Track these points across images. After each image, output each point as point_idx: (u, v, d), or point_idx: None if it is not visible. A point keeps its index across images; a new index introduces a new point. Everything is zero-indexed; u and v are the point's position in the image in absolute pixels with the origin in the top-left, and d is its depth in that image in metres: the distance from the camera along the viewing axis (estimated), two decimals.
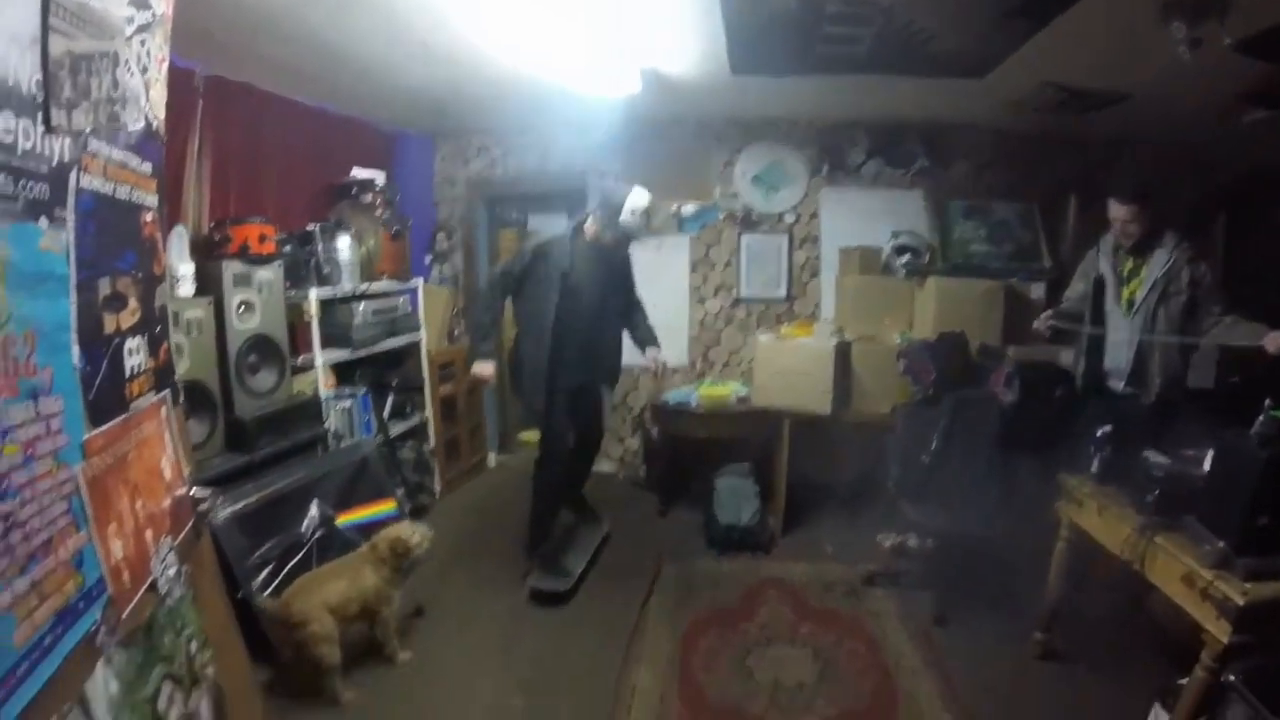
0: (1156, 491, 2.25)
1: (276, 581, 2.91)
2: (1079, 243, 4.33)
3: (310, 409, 3.58)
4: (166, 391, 1.47)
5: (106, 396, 1.19)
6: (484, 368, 3.61)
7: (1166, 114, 4.02)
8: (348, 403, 3.99)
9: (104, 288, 1.21)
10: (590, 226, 3.61)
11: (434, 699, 2.76)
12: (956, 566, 3.47)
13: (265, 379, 3.34)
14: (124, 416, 1.26)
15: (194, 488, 1.54)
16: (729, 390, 4.64)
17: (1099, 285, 3.26)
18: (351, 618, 2.80)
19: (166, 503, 1.39)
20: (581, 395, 3.75)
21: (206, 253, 3.20)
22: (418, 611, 3.29)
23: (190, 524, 1.50)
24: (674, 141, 5.03)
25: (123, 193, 1.29)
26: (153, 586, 1.26)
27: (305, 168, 4.20)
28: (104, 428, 1.17)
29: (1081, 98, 3.86)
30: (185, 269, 2.97)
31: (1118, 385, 3.20)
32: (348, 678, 2.76)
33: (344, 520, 3.34)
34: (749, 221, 5.05)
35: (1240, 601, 1.78)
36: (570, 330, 3.54)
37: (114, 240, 1.26)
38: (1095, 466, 2.67)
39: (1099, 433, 2.68)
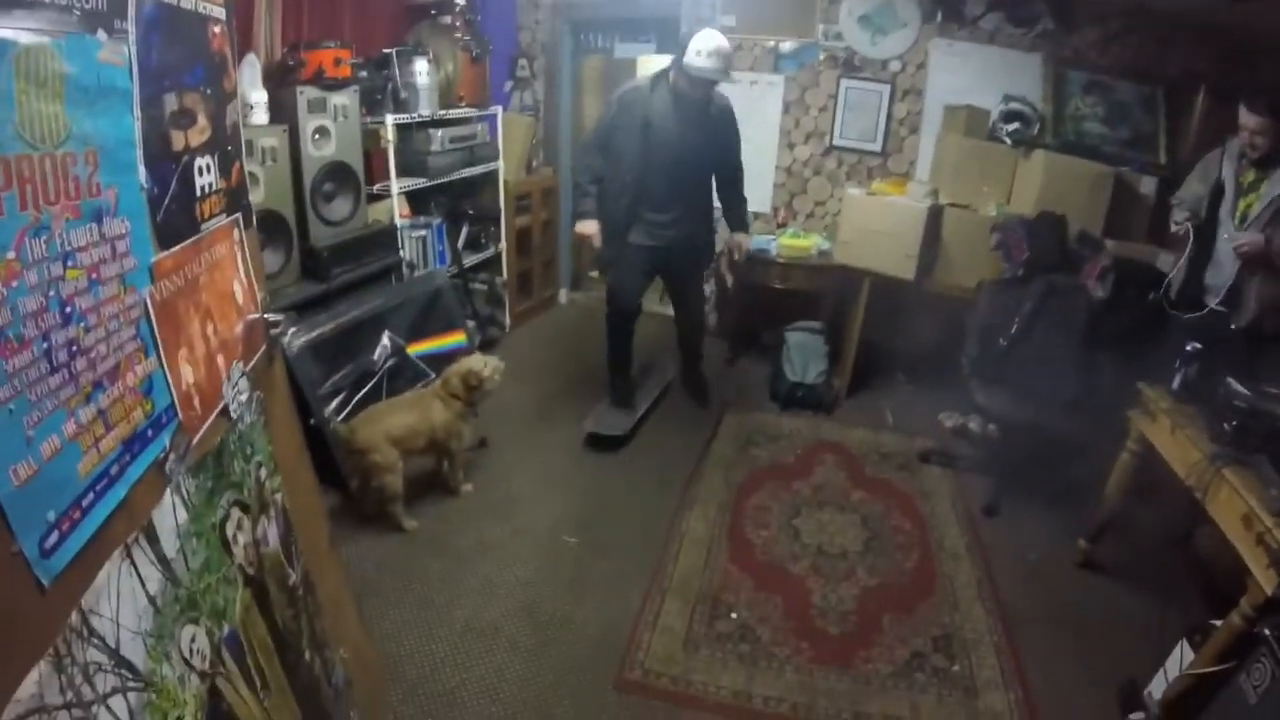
0: (1234, 423, 2.12)
1: (348, 409, 3.03)
2: (1201, 143, 3.91)
3: (385, 238, 3.60)
4: (239, 213, 1.44)
5: (176, 218, 1.16)
6: (586, 226, 3.50)
7: None
8: (423, 232, 4.00)
9: (170, 103, 1.15)
10: (673, 74, 3.37)
11: (492, 531, 2.92)
12: (1015, 458, 3.41)
13: (340, 207, 3.34)
14: (195, 238, 1.23)
15: (267, 312, 1.54)
16: (810, 243, 4.49)
17: (1217, 191, 2.96)
18: (418, 450, 2.92)
19: (239, 327, 1.38)
20: (660, 259, 3.65)
21: (280, 80, 3.12)
22: (481, 443, 3.42)
23: (263, 349, 1.51)
24: None
25: (188, 3, 1.22)
26: (224, 412, 1.28)
27: None
28: (174, 250, 1.14)
29: None
30: (258, 97, 2.91)
31: (1212, 301, 2.96)
32: (412, 507, 2.93)
33: (415, 350, 3.43)
34: (850, 66, 4.68)
35: None
36: (648, 187, 3.42)
37: (180, 54, 1.20)
38: (1177, 383, 2.52)
39: (1187, 348, 2.51)
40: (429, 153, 3.94)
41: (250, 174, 2.75)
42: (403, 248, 3.79)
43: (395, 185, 3.72)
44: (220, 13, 1.35)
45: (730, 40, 3.27)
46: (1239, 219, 2.88)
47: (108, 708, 0.84)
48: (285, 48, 3.25)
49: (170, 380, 1.10)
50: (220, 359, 1.29)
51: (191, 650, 1.04)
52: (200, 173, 1.26)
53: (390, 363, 3.28)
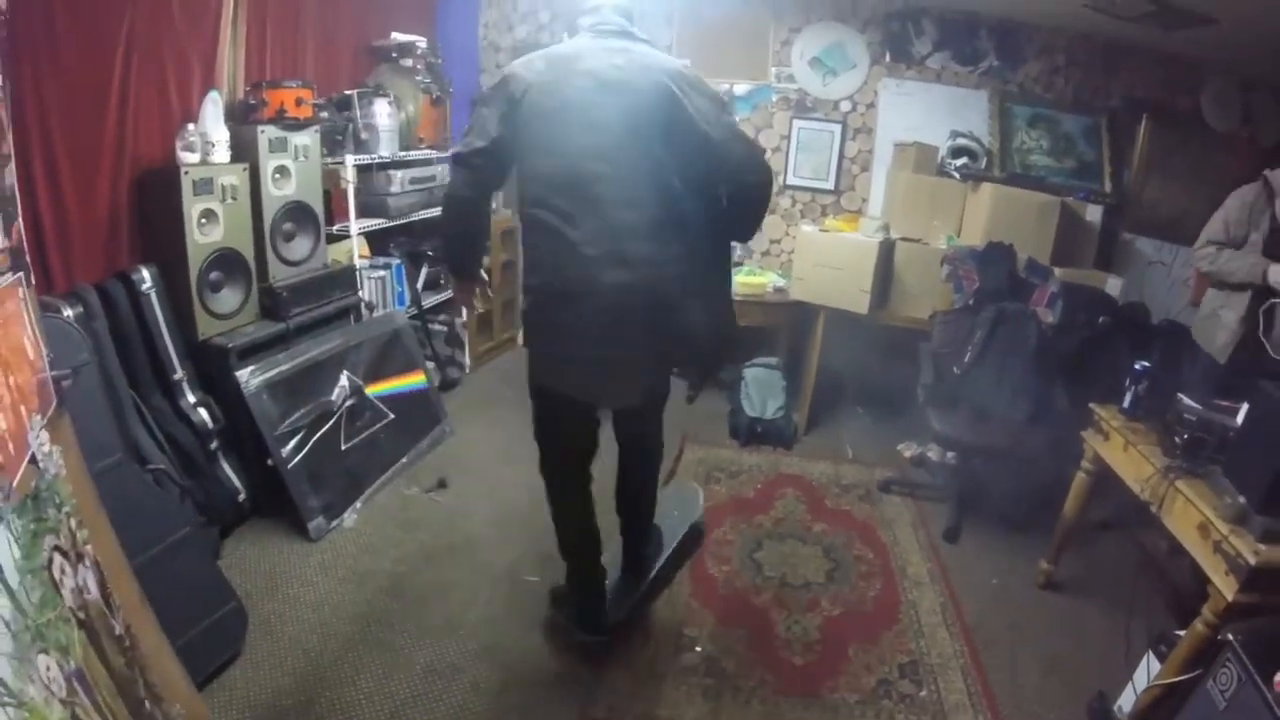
0: (1186, 436, 2.18)
1: (305, 450, 2.99)
2: (1146, 168, 4.08)
3: (344, 278, 3.57)
4: (22, 273, 1.47)
5: None
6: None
7: (1255, 48, 3.68)
8: (382, 273, 3.99)
9: None
10: None
11: (452, 571, 2.87)
12: (974, 484, 3.48)
13: (300, 247, 3.32)
14: None
15: (53, 370, 1.55)
16: (766, 280, 4.57)
17: (1276, 235, 2.81)
18: None
19: (33, 381, 1.42)
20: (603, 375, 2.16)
21: (242, 118, 3.12)
22: (441, 484, 3.38)
23: (54, 404, 1.52)
24: (731, 14, 4.75)
25: None
26: (33, 460, 1.31)
27: (344, 29, 4.04)
28: None
29: (1168, 12, 3.55)
30: (220, 134, 2.89)
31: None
32: (376, 551, 2.87)
33: (374, 390, 3.40)
34: (803, 106, 4.82)
35: (1252, 560, 1.75)
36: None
37: None
38: (1128, 400, 2.58)
39: (1137, 366, 2.58)
40: (389, 194, 3.96)
41: (210, 212, 2.77)
42: (362, 288, 3.77)
43: (355, 226, 3.72)
44: None
45: None
46: None
47: None
48: (248, 86, 3.25)
49: None
50: (23, 409, 1.32)
51: (48, 678, 1.09)
52: None
53: (349, 403, 3.25)
